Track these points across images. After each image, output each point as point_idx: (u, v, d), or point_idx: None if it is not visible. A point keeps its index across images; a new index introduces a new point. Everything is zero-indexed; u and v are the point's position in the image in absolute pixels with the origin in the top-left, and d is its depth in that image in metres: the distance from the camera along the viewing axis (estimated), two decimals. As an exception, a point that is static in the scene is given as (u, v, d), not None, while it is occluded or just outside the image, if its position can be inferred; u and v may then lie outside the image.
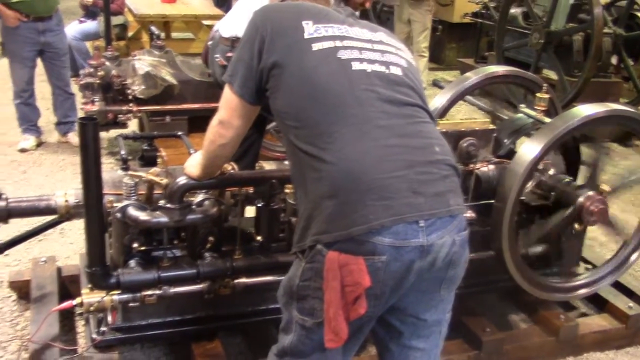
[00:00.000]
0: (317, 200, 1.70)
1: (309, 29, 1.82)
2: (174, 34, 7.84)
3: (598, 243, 4.10)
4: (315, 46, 1.79)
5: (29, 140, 5.09)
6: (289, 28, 1.83)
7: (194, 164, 2.23)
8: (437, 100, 3.31)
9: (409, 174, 1.68)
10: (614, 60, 6.95)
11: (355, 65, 1.78)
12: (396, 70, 1.84)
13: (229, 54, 3.29)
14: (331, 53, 1.78)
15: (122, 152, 2.61)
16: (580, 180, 2.96)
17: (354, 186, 1.65)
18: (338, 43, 1.81)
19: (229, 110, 1.91)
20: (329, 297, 1.65)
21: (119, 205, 2.33)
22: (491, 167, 2.98)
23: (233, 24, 3.35)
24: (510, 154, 2.96)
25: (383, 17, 9.05)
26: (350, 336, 1.70)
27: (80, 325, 2.93)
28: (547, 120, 2.98)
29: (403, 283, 1.71)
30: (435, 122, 1.93)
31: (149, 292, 2.40)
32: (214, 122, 1.96)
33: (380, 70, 1.81)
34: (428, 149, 1.77)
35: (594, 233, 4.13)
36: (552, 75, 6.94)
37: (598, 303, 3.25)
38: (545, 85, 3.22)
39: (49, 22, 4.88)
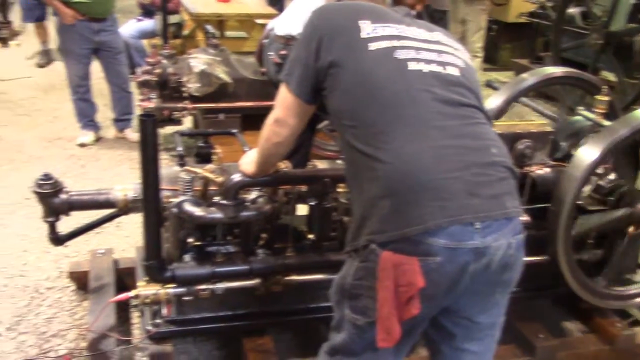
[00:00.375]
0: (372, 199, 1.70)
1: (367, 28, 1.82)
2: (228, 33, 7.94)
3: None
4: (373, 46, 1.79)
5: (88, 136, 5.24)
6: (347, 27, 1.83)
7: (248, 162, 2.27)
8: (492, 101, 3.26)
9: (465, 175, 1.67)
10: (677, 62, 6.71)
11: (412, 66, 1.77)
12: (453, 71, 1.83)
13: (283, 52, 3.32)
14: (388, 53, 1.78)
15: (179, 148, 2.67)
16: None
17: (410, 186, 1.65)
18: (395, 43, 1.80)
19: (284, 109, 1.93)
20: (383, 297, 1.65)
21: (176, 200, 2.38)
22: (547, 170, 2.94)
23: (288, 23, 3.38)
24: (568, 157, 2.89)
25: (436, 17, 8.94)
26: (402, 336, 1.70)
27: (134, 317, 3.00)
28: (607, 123, 2.90)
29: (457, 285, 1.70)
30: (491, 123, 1.91)
31: (203, 287, 2.45)
32: (270, 120, 1.98)
33: (437, 70, 1.80)
34: (484, 151, 1.75)
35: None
36: (611, 77, 6.75)
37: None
38: (605, 87, 3.14)
39: (103, 23, 5.04)
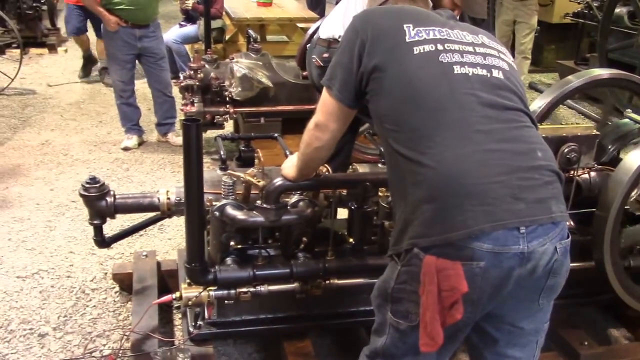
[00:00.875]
0: (415, 203, 1.69)
1: (410, 32, 1.81)
2: (269, 37, 8.00)
3: None
4: (417, 49, 1.78)
5: (132, 140, 5.34)
6: (390, 31, 1.83)
7: (290, 166, 2.27)
8: (536, 103, 3.20)
9: (510, 180, 1.64)
10: None
11: (457, 69, 1.76)
12: (498, 74, 1.81)
13: (325, 55, 3.33)
14: (432, 56, 1.77)
15: (221, 152, 2.69)
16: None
17: (454, 191, 1.63)
18: (439, 46, 1.79)
19: (326, 114, 1.93)
20: (426, 301, 1.64)
21: (218, 204, 2.40)
22: (593, 174, 2.87)
23: (331, 26, 3.39)
24: (615, 161, 2.83)
25: (478, 20, 8.85)
26: (445, 341, 1.68)
27: (177, 318, 3.04)
28: (656, 126, 2.83)
29: (501, 290, 1.67)
30: (537, 126, 1.88)
31: (244, 289, 2.47)
32: (311, 125, 1.99)
33: (482, 73, 1.78)
34: (530, 154, 1.72)
35: None
36: (660, 78, 6.58)
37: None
38: (654, 89, 3.06)
39: (146, 29, 5.12)
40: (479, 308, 1.69)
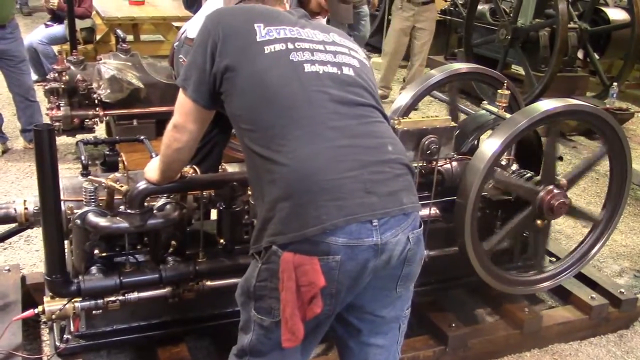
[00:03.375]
0: (272, 202, 1.71)
1: (261, 31, 1.82)
2: (144, 37, 7.80)
3: (564, 236, 4.16)
4: (268, 49, 1.79)
5: (-6, 147, 5.02)
6: (241, 31, 1.83)
7: (152, 169, 2.23)
8: (401, 98, 3.33)
9: (362, 174, 1.70)
10: (580, 54, 7.05)
11: (307, 67, 1.79)
12: (349, 71, 1.86)
13: None
14: (283, 55, 1.79)
15: (82, 157, 2.59)
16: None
17: (307, 187, 1.66)
18: (290, 45, 1.81)
19: (183, 115, 1.91)
20: (285, 297, 1.66)
21: (79, 211, 2.31)
22: (454, 164, 3.02)
23: (197, 25, 3.33)
24: (473, 150, 2.99)
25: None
26: (307, 335, 1.71)
27: (45, 334, 2.90)
28: (508, 116, 3.01)
29: (359, 282, 1.72)
30: (388, 121, 1.95)
31: (112, 298, 2.39)
32: (170, 126, 1.96)
33: (333, 71, 1.82)
34: (381, 149, 1.78)
35: (561, 226, 4.20)
36: (521, 70, 7.02)
37: (562, 295, 3.29)
38: (505, 81, 3.26)
39: (2, 31, 4.78)
40: (338, 301, 1.73)
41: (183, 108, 1.90)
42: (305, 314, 1.67)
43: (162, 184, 2.25)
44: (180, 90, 1.90)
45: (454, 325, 2.87)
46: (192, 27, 3.44)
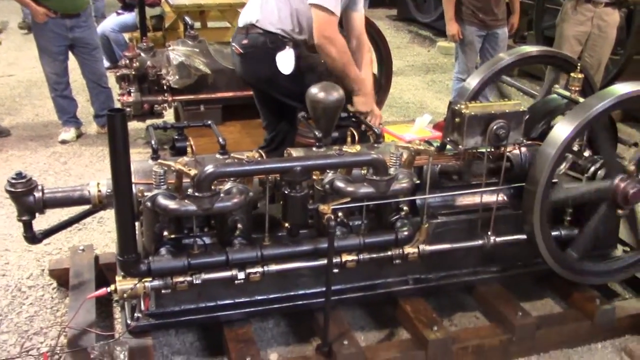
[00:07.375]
0: None
1: None
2: (211, 23, 7.88)
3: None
4: None
5: (69, 132, 5.21)
6: None
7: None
8: (469, 82, 3.26)
9: None
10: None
11: None
12: None
13: (245, 42, 3.29)
14: None
15: (152, 141, 2.66)
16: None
17: None
18: None
19: None
20: None
21: (149, 194, 2.37)
22: (523, 149, 2.94)
23: (247, 12, 3.34)
24: (544, 136, 2.90)
25: None
26: None
27: (117, 312, 3.00)
28: (581, 100, 2.91)
29: None
30: None
31: (180, 279, 2.45)
32: None
33: None
34: None
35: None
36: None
37: (636, 286, 3.17)
38: (579, 64, 3.14)
39: (77, 19, 4.96)
40: None
41: None
42: None
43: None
44: None
45: (520, 314, 2.80)
46: (242, 15, 3.42)
